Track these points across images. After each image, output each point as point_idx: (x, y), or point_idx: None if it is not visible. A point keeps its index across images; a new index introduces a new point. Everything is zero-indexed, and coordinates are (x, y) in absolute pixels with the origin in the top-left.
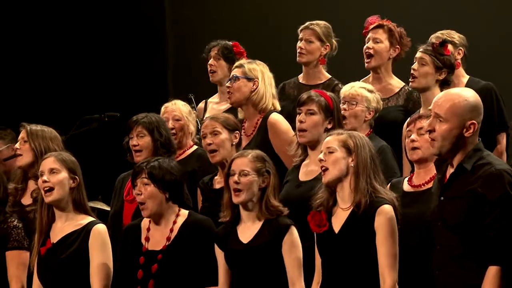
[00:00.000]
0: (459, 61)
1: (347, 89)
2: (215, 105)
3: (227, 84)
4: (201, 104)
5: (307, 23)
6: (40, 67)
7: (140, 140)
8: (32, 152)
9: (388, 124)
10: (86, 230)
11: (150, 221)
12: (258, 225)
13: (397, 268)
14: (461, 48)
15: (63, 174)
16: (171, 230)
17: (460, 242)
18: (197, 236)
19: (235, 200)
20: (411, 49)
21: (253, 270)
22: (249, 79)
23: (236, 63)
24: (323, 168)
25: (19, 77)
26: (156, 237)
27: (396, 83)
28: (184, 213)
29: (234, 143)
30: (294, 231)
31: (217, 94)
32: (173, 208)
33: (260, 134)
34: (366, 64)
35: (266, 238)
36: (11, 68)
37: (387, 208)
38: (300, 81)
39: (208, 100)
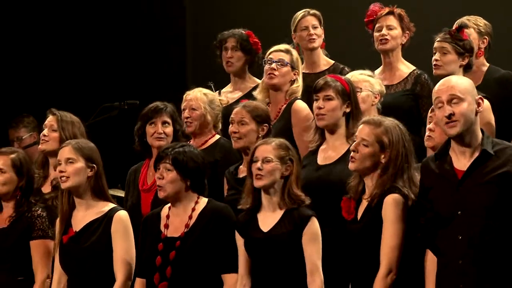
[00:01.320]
0: (483, 50)
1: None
2: (229, 94)
3: (273, 66)
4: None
5: (302, 12)
6: (61, 55)
7: (164, 128)
8: (59, 139)
9: (393, 110)
10: (108, 217)
11: (169, 209)
12: (279, 214)
13: (395, 257)
14: (486, 37)
15: (80, 164)
16: (190, 217)
17: (486, 229)
18: (216, 223)
19: (256, 184)
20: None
21: (272, 259)
22: (293, 68)
23: (280, 47)
24: (351, 158)
25: (40, 65)
26: (175, 224)
27: (406, 69)
28: (204, 200)
29: (260, 135)
30: (315, 222)
31: (229, 84)
32: (192, 196)
33: (283, 120)
34: (381, 46)
35: (286, 228)
36: (33, 56)
37: (394, 197)
38: (304, 71)
39: (222, 91)
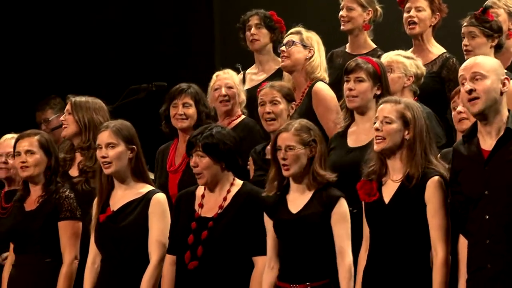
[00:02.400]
0: None
1: (383, 58)
2: (253, 75)
3: (282, 48)
4: (240, 76)
5: None
6: (89, 37)
7: (185, 110)
8: (76, 123)
9: (420, 93)
10: (146, 199)
11: (205, 188)
12: (308, 195)
13: (449, 240)
14: None
15: (120, 147)
16: (225, 199)
17: None
18: (250, 206)
19: (285, 174)
20: (451, 19)
21: (302, 240)
22: (305, 46)
23: (292, 30)
24: (378, 138)
25: (68, 47)
26: (210, 205)
27: (436, 50)
28: (239, 183)
29: (290, 114)
30: (343, 202)
31: (254, 65)
32: (228, 176)
33: (305, 102)
34: (409, 31)
35: (315, 209)
36: (61, 38)
37: (438, 179)
38: (346, 50)
39: (247, 72)
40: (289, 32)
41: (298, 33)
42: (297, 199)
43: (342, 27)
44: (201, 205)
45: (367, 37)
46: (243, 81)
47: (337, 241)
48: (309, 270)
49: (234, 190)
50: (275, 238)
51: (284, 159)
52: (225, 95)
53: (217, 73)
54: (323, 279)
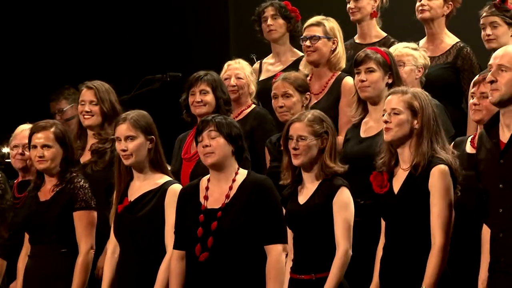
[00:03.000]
0: None
1: (393, 52)
2: (270, 66)
3: (307, 43)
4: (256, 65)
5: None
6: (102, 27)
7: (203, 97)
8: (102, 114)
9: (432, 82)
10: (162, 190)
11: (208, 180)
12: (315, 185)
13: (448, 229)
14: None
15: (140, 139)
16: (230, 188)
17: None
18: (258, 195)
19: (295, 162)
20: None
21: (307, 231)
22: (329, 38)
23: (312, 21)
24: (386, 129)
25: (83, 37)
26: (215, 196)
27: (449, 40)
28: (243, 172)
29: (304, 105)
30: (345, 191)
31: (271, 54)
32: (234, 165)
33: (332, 94)
34: (420, 15)
35: (319, 199)
36: (74, 28)
37: (441, 168)
38: (356, 41)
39: (263, 61)
40: (309, 23)
41: (320, 24)
42: (306, 190)
43: (352, 17)
44: (206, 197)
45: (376, 25)
46: (260, 70)
47: (336, 229)
48: (314, 261)
49: (240, 179)
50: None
51: (295, 148)
52: (234, 85)
53: (228, 62)
54: (329, 270)
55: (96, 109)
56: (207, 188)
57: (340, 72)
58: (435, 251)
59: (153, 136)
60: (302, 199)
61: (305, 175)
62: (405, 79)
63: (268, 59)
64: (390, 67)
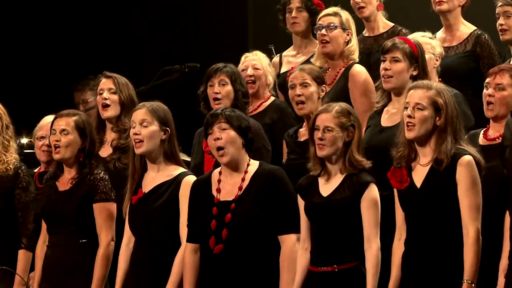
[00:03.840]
0: None
1: None
2: (291, 58)
3: (323, 32)
4: (276, 59)
5: None
6: (122, 19)
7: (221, 88)
8: (120, 103)
9: (453, 72)
10: (176, 181)
11: (220, 173)
12: (339, 179)
13: (480, 219)
14: None
15: (154, 127)
16: (243, 180)
17: None
18: (271, 185)
19: (319, 153)
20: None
21: (330, 224)
22: (344, 29)
23: (329, 11)
24: (409, 124)
25: (103, 28)
26: (227, 188)
27: (466, 29)
28: (255, 163)
29: (320, 97)
30: (374, 188)
31: (292, 47)
32: (245, 157)
33: (341, 83)
34: (437, 7)
35: (345, 194)
36: (96, 20)
37: (468, 159)
38: (365, 35)
39: (283, 54)
40: (325, 12)
41: (337, 15)
42: (329, 183)
43: (360, 14)
44: (218, 190)
45: (382, 16)
46: (280, 63)
47: (365, 227)
48: (337, 253)
49: (252, 170)
50: (307, 219)
51: (321, 139)
52: (251, 76)
53: (245, 54)
54: (352, 261)
55: (115, 98)
56: (219, 181)
57: (351, 62)
58: (470, 243)
59: (168, 128)
60: (325, 191)
61: (329, 167)
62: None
63: (289, 52)
64: (417, 59)
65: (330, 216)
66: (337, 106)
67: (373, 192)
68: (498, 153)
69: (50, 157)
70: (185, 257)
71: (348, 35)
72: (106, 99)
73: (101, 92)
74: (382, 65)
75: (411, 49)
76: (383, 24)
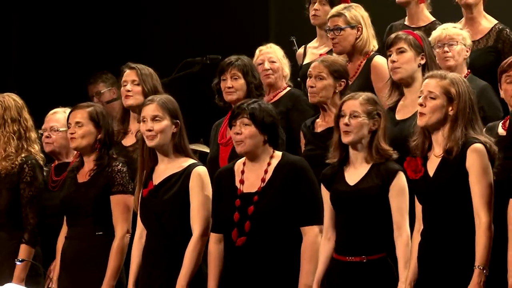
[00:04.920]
0: None
1: (441, 32)
2: (314, 49)
3: (330, 36)
4: (300, 50)
5: None
6: (140, 11)
7: (234, 82)
8: (143, 94)
9: (475, 67)
10: (186, 172)
11: (244, 164)
12: (366, 168)
13: (491, 206)
14: None
15: (166, 122)
16: (266, 172)
17: None
18: (293, 176)
19: (344, 140)
20: None
21: (358, 213)
22: (352, 27)
23: (333, 12)
24: (420, 113)
25: (121, 20)
26: (251, 180)
27: (487, 23)
28: (278, 154)
29: (337, 91)
30: (402, 176)
31: (316, 38)
32: (268, 150)
33: (363, 76)
34: (463, 0)
35: (373, 182)
36: (113, 11)
37: (478, 147)
38: (405, 23)
39: (308, 46)
40: (331, 14)
41: (341, 15)
42: (355, 172)
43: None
44: (242, 181)
45: (424, 9)
46: (304, 54)
47: (395, 215)
48: (365, 243)
49: (275, 162)
50: (332, 209)
51: (346, 125)
52: (268, 69)
53: (260, 48)
54: (380, 252)
55: (138, 89)
56: (242, 172)
57: (372, 53)
58: (482, 230)
59: (178, 121)
60: (352, 180)
61: (354, 156)
62: (454, 60)
63: (312, 43)
64: (423, 48)
65: (358, 205)
66: (364, 94)
67: (401, 180)
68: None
69: (52, 147)
70: (209, 247)
71: (358, 30)
72: (129, 90)
73: (124, 83)
74: (390, 58)
75: (415, 39)
76: (423, 17)
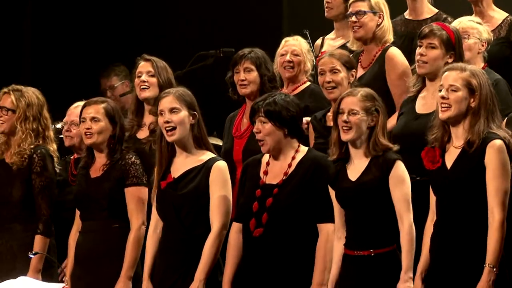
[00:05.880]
0: None
1: (456, 25)
2: (331, 41)
3: (353, 19)
4: (318, 41)
5: None
6: (153, 2)
7: (247, 75)
8: (159, 86)
9: (491, 59)
10: (206, 167)
11: (270, 156)
12: (365, 162)
13: (506, 204)
14: None
15: (184, 113)
16: (289, 165)
17: None
18: (315, 172)
19: (344, 137)
20: None
21: (362, 207)
22: (375, 13)
23: None
24: (443, 105)
25: (134, 13)
26: (275, 172)
27: (499, 15)
28: (304, 149)
29: (350, 81)
30: (400, 165)
31: (333, 31)
32: (292, 143)
33: (376, 67)
34: None
35: (373, 175)
36: (126, 3)
37: (497, 143)
38: (407, 17)
39: (325, 37)
40: (354, 0)
41: (365, 0)
42: (356, 167)
43: None
44: (266, 172)
45: (427, 1)
46: (321, 46)
47: (397, 204)
48: (372, 237)
49: (299, 156)
50: (340, 207)
51: (345, 122)
52: (290, 61)
53: (286, 38)
54: (388, 246)
55: (154, 81)
56: (268, 163)
57: (387, 45)
58: (495, 227)
59: (195, 112)
60: (354, 175)
61: (353, 152)
62: (468, 53)
63: (330, 35)
64: (454, 47)
65: (360, 199)
66: (362, 90)
67: (400, 169)
68: None
69: (73, 142)
70: (230, 236)
71: (379, 17)
72: (144, 81)
73: (139, 74)
74: (418, 50)
75: (448, 36)
76: (427, 9)
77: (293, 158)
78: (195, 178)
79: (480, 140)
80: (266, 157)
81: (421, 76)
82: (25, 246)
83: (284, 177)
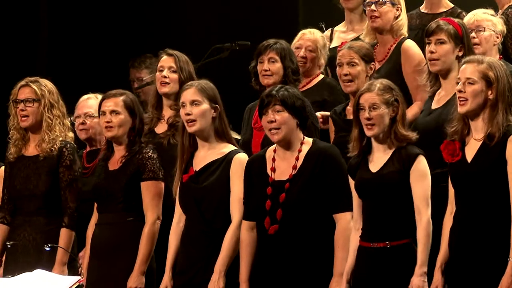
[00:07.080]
0: None
1: (470, 18)
2: (342, 34)
3: (372, 8)
4: (327, 33)
5: None
6: None
7: (271, 65)
8: (179, 82)
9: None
10: (227, 159)
11: (275, 151)
12: (388, 154)
13: None
14: None
15: (205, 105)
16: (297, 159)
17: None
18: (324, 164)
19: (368, 133)
20: None
21: (381, 199)
22: (394, 4)
23: None
24: (461, 99)
25: (151, 5)
26: (282, 167)
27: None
28: (308, 141)
29: (368, 75)
30: (422, 160)
31: (343, 22)
32: (299, 135)
33: (392, 60)
34: None
35: (394, 167)
36: None
37: None
38: (422, 10)
39: (335, 29)
40: None
41: None
42: (378, 159)
43: None
44: (273, 169)
45: None
46: (331, 38)
47: (415, 199)
48: (389, 229)
49: (305, 148)
50: (359, 198)
51: (368, 119)
52: (303, 57)
53: (302, 31)
54: (404, 238)
55: (175, 77)
56: (273, 160)
57: (402, 37)
58: None
59: (217, 105)
60: (374, 167)
61: (376, 145)
62: (484, 45)
63: (340, 27)
64: (462, 39)
65: (380, 191)
66: (379, 83)
67: (422, 164)
68: None
69: (88, 134)
70: (241, 235)
71: (397, 10)
72: (165, 77)
73: (161, 69)
74: (428, 48)
75: (455, 29)
76: (444, 3)
77: (300, 150)
78: (216, 171)
79: (500, 133)
80: (270, 153)
81: (432, 74)
82: (48, 239)
83: (293, 172)
